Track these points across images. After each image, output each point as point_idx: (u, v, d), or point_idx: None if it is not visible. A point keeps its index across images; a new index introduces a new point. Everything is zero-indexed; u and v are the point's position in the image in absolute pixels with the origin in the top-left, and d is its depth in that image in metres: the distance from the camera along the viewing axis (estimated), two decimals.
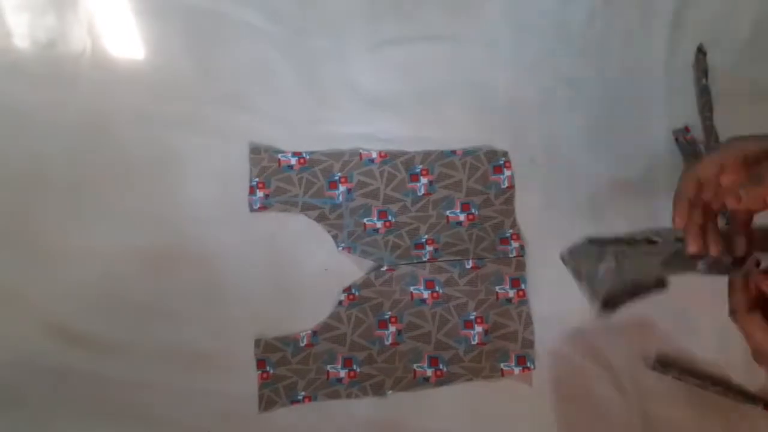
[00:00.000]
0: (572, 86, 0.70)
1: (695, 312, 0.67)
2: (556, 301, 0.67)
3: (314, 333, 0.64)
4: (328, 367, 0.64)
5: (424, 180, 0.67)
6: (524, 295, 0.67)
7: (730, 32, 0.71)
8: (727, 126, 0.68)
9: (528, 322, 0.67)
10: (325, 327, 0.65)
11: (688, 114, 0.70)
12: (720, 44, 0.70)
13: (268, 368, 0.63)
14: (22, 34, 0.65)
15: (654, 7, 0.71)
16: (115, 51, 0.66)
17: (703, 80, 0.69)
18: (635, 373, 0.67)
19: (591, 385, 0.67)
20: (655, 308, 0.67)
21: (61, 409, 0.62)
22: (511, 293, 0.67)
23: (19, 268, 0.63)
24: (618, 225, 0.69)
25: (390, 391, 0.64)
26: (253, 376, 0.63)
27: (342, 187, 0.66)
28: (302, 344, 0.64)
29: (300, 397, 0.63)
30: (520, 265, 0.67)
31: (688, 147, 0.68)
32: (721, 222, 0.49)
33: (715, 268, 0.49)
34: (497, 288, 0.67)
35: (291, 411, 0.63)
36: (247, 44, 0.67)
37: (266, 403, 0.63)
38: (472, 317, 0.67)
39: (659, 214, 0.69)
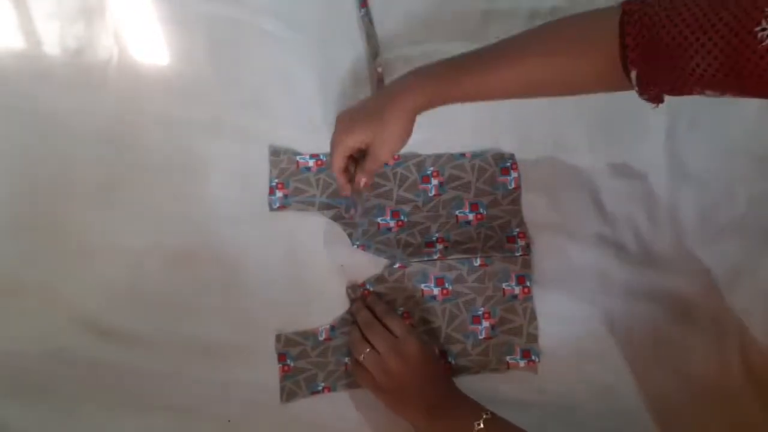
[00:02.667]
0: None
1: (694, 303, 0.70)
2: (559, 298, 0.71)
3: (332, 327, 0.67)
4: (346, 359, 0.67)
5: (434, 181, 0.70)
6: (529, 291, 0.70)
7: None
8: None
9: (532, 318, 0.70)
10: (343, 321, 0.68)
11: (686, 115, 0.73)
12: None
13: (288, 361, 0.66)
14: (52, 42, 0.68)
15: None
16: (141, 58, 0.69)
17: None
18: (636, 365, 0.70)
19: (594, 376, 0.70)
20: (657, 305, 0.70)
21: (90, 398, 0.64)
22: (517, 290, 0.70)
23: (51, 264, 0.65)
24: (619, 224, 0.72)
25: None
26: (274, 367, 0.66)
27: None
28: (321, 338, 0.67)
29: (320, 388, 0.66)
30: (526, 263, 0.70)
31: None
32: None
33: None
34: (504, 285, 0.70)
35: (311, 401, 0.66)
36: (268, 52, 0.70)
37: (288, 395, 0.66)
38: (480, 313, 0.70)
39: (659, 213, 0.72)
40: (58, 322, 0.64)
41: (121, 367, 0.64)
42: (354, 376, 0.66)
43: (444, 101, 0.56)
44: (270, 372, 0.66)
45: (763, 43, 0.40)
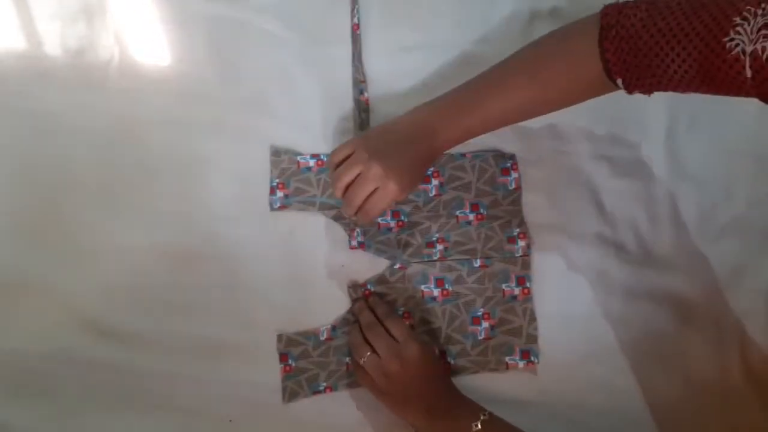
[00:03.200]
0: None
1: (694, 303, 0.70)
2: (559, 298, 0.71)
3: (333, 327, 0.68)
4: (347, 359, 0.67)
5: (435, 181, 0.71)
6: (529, 292, 0.70)
7: None
8: None
9: (532, 318, 0.70)
10: (344, 321, 0.68)
11: (686, 115, 0.73)
12: None
13: (290, 361, 0.66)
14: (53, 42, 0.67)
15: None
16: (141, 58, 0.68)
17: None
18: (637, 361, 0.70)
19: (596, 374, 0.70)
20: (657, 305, 0.70)
21: (90, 398, 0.64)
22: (517, 291, 0.70)
23: (53, 264, 0.65)
24: (619, 224, 0.72)
25: None
26: (275, 367, 0.66)
27: None
28: (322, 338, 0.67)
29: (321, 388, 0.66)
30: (526, 264, 0.70)
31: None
32: None
33: None
34: (503, 286, 0.70)
35: (313, 401, 0.66)
36: (268, 52, 0.70)
37: (290, 395, 0.66)
38: (480, 313, 0.70)
39: (659, 213, 0.72)
40: (59, 322, 0.65)
41: (122, 367, 0.64)
42: (355, 377, 0.66)
43: (452, 145, 0.61)
44: (271, 372, 0.66)
45: (732, 53, 0.42)
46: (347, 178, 0.58)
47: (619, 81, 0.52)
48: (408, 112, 0.61)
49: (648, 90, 0.51)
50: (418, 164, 0.60)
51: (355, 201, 0.58)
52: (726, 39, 0.42)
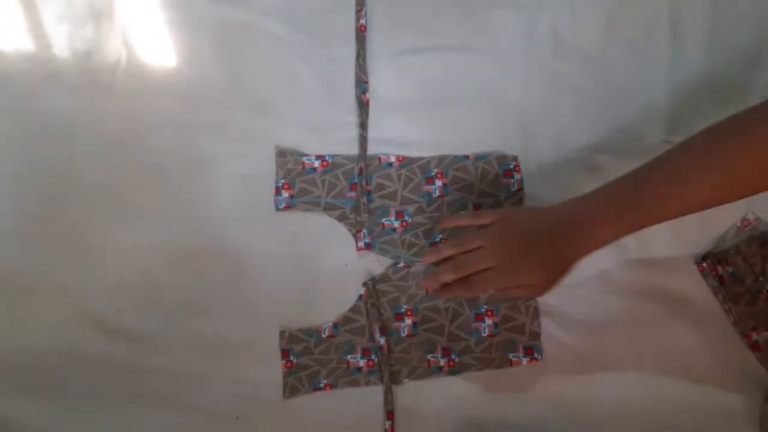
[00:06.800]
0: (578, 94, 0.73)
1: (694, 303, 0.71)
2: (561, 296, 0.71)
3: (335, 325, 0.68)
4: (348, 356, 0.68)
5: (438, 183, 0.71)
6: None
7: (729, 40, 0.74)
8: None
9: (535, 316, 0.71)
10: (346, 319, 0.69)
11: (686, 115, 0.73)
12: (719, 52, 0.73)
13: (291, 358, 0.67)
14: (61, 44, 0.69)
15: (654, 18, 0.75)
16: (148, 60, 0.70)
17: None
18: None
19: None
20: (657, 305, 0.71)
21: (99, 396, 0.65)
22: None
23: (62, 264, 0.66)
24: None
25: (406, 380, 0.68)
26: (277, 365, 0.67)
27: None
28: (324, 335, 0.68)
29: (322, 385, 0.67)
30: None
31: None
32: None
33: None
34: None
35: (313, 398, 0.67)
36: (273, 54, 0.71)
37: (290, 391, 0.67)
38: (483, 310, 0.70)
39: None
40: (67, 320, 0.66)
41: (130, 365, 0.66)
42: (354, 376, 0.67)
43: (604, 245, 0.56)
44: (276, 370, 0.67)
45: None
46: (468, 246, 0.56)
47: None
48: (560, 203, 0.58)
49: None
50: (559, 262, 0.56)
51: (463, 267, 0.56)
52: None
